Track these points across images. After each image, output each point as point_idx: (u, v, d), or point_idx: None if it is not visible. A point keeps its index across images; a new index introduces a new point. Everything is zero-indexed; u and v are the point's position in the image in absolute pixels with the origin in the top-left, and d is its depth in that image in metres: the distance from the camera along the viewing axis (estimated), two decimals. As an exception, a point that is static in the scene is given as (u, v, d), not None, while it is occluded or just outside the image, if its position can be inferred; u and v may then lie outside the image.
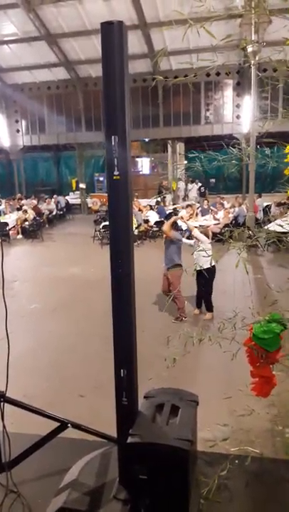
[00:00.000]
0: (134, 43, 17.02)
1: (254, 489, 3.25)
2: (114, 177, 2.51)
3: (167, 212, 16.77)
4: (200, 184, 23.21)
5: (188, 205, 15.64)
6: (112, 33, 2.39)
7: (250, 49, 11.51)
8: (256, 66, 11.95)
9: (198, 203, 17.86)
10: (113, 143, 2.47)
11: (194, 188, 22.71)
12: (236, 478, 3.29)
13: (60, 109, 21.56)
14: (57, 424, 3.23)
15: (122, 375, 2.76)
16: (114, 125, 2.46)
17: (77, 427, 3.28)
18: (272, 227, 3.81)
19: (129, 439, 2.64)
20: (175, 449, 2.54)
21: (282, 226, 3.30)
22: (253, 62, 11.43)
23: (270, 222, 6.09)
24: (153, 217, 15.55)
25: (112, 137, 2.47)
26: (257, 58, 11.03)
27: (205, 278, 6.42)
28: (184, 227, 14.09)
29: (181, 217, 7.21)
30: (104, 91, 2.45)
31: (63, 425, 3.24)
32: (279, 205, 13.05)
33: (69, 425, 3.25)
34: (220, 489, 3.15)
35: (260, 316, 3.31)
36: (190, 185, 22.94)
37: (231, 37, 3.40)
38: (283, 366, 3.49)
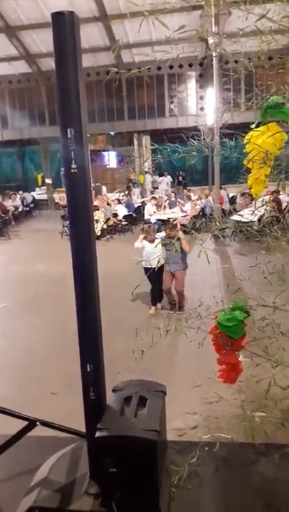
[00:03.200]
0: (96, 35, 16.84)
1: (223, 474, 3.32)
2: (72, 170, 2.47)
3: (136, 205, 16.81)
4: (169, 177, 23.31)
5: (152, 197, 15.67)
6: (63, 23, 2.35)
7: (211, 40, 11.55)
8: (218, 58, 12.03)
9: (167, 195, 17.92)
10: (69, 135, 2.42)
11: (164, 181, 22.78)
12: (206, 465, 3.36)
13: (22, 103, 21.11)
14: (26, 423, 3.20)
15: (88, 370, 2.75)
16: (69, 117, 2.42)
17: (46, 424, 3.25)
18: (236, 217, 3.87)
19: (98, 433, 2.63)
20: (143, 440, 2.55)
21: (242, 216, 3.34)
22: (214, 54, 11.48)
23: (236, 212, 6.19)
24: (122, 211, 15.50)
25: (68, 130, 2.42)
26: (218, 50, 11.09)
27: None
28: (153, 220, 14.17)
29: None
30: (58, 82, 2.42)
31: (32, 424, 3.20)
32: (243, 195, 13.27)
33: (38, 423, 3.22)
34: (190, 476, 3.20)
35: (224, 304, 3.37)
36: (159, 179, 22.98)
37: (192, 28, 3.41)
38: (249, 352, 3.57)
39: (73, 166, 2.45)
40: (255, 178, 3.04)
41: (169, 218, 13.83)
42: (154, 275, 6.82)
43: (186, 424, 3.86)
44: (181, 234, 6.78)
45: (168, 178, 23.26)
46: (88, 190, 2.57)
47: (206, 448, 3.50)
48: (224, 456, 3.47)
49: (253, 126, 3.09)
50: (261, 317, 3.32)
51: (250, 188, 3.18)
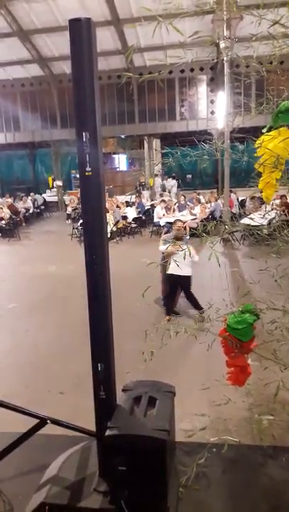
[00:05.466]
0: (108, 39, 16.95)
1: (231, 475, 3.34)
2: (87, 173, 2.53)
3: (145, 208, 16.87)
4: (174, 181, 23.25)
5: (162, 201, 15.69)
6: (80, 30, 2.40)
7: (222, 45, 11.59)
8: (229, 62, 12.06)
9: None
10: (84, 139, 2.48)
11: (175, 185, 22.79)
12: (214, 466, 3.38)
13: (34, 106, 21.32)
14: (36, 421, 3.24)
15: (99, 369, 2.80)
16: (84, 121, 2.48)
17: (56, 422, 3.29)
18: (246, 221, 3.88)
19: (108, 432, 2.68)
20: (152, 439, 2.59)
21: (253, 219, 3.37)
22: (225, 58, 11.51)
23: (245, 216, 6.19)
24: (131, 213, 15.57)
25: (83, 133, 2.48)
26: (229, 54, 11.12)
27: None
28: (162, 223, 14.21)
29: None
30: (74, 88, 2.47)
31: (42, 422, 3.24)
32: (252, 198, 13.26)
33: (48, 421, 3.26)
34: (198, 477, 3.23)
35: (234, 307, 3.39)
36: (172, 182, 22.96)
37: (203, 33, 3.45)
38: (257, 356, 3.58)
39: (88, 168, 2.52)
40: (266, 182, 3.06)
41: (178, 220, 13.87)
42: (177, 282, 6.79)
43: (194, 426, 3.89)
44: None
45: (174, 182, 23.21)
46: (102, 193, 2.63)
47: (214, 449, 3.53)
48: (232, 457, 3.49)
49: (264, 130, 3.12)
50: (270, 320, 3.33)
51: (261, 192, 3.21)
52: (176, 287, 6.93)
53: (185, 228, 7.35)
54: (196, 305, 6.84)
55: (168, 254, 6.15)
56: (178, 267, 6.37)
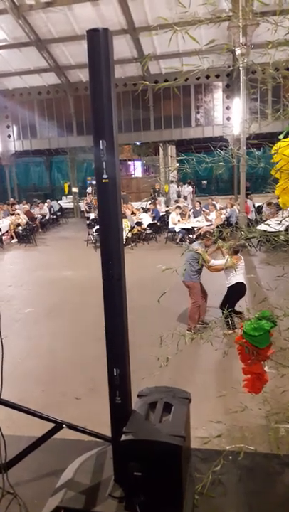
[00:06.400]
0: (124, 47, 17.12)
1: (247, 483, 3.31)
2: (103, 180, 2.57)
3: (160, 214, 16.89)
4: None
5: (177, 207, 15.69)
6: (98, 40, 2.45)
7: (238, 51, 11.61)
8: (245, 68, 12.06)
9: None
10: (101, 147, 2.53)
11: (191, 191, 22.77)
12: (230, 474, 3.36)
13: (51, 114, 21.61)
14: (52, 425, 3.27)
15: (115, 374, 2.81)
16: (101, 130, 2.52)
17: (72, 427, 3.32)
18: (262, 227, 3.87)
19: (123, 437, 2.68)
20: (168, 445, 2.59)
21: (269, 225, 3.36)
22: (241, 64, 11.50)
23: (262, 222, 6.12)
24: (146, 219, 15.61)
25: (100, 141, 2.52)
26: (245, 60, 11.11)
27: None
28: (177, 229, 14.20)
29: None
30: (92, 97, 2.51)
31: (58, 426, 3.28)
32: (269, 204, 13.17)
33: (64, 426, 3.29)
34: (214, 484, 3.21)
35: (250, 314, 3.38)
36: (188, 188, 22.96)
37: (219, 40, 3.48)
38: (275, 363, 3.56)
39: (104, 176, 2.55)
40: (282, 188, 3.06)
41: (193, 227, 13.87)
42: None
43: (210, 433, 3.87)
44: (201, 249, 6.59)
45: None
46: (118, 199, 2.66)
47: (230, 457, 3.50)
48: (248, 465, 3.46)
49: (281, 136, 3.12)
50: (287, 327, 3.31)
51: (278, 198, 3.20)
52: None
53: (200, 235, 7.24)
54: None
55: (228, 267, 6.12)
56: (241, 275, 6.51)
